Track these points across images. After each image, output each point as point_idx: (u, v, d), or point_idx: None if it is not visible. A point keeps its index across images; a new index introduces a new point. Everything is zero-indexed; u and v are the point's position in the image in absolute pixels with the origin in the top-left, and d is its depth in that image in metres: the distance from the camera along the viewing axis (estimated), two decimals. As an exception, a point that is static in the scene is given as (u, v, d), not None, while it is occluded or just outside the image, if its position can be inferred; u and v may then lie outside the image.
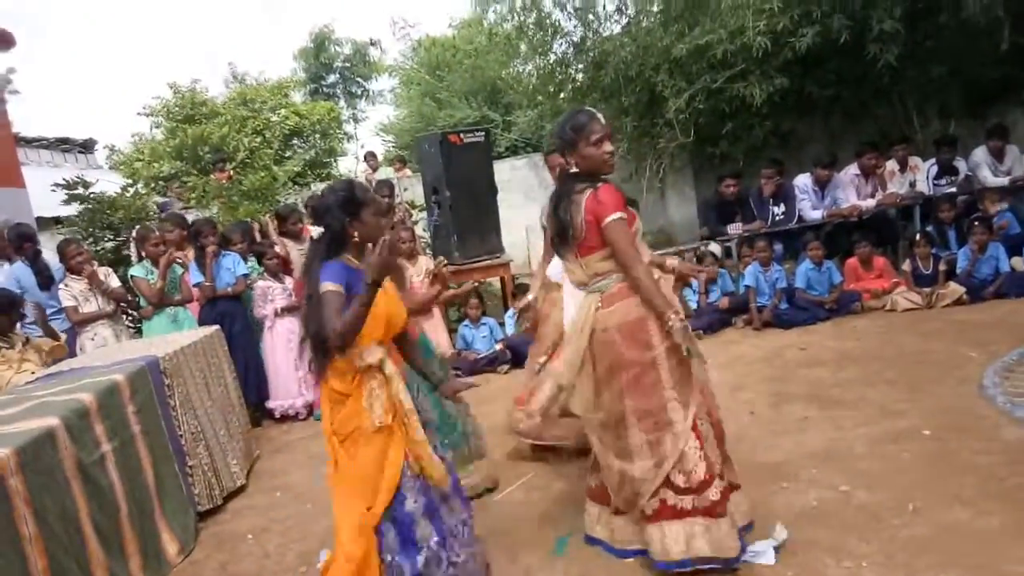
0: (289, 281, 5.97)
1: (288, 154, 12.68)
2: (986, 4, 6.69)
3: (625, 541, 2.99)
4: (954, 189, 7.35)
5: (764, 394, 4.71)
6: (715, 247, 7.42)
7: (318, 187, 10.77)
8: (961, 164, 7.49)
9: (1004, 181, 7.24)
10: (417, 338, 3.14)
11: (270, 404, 5.79)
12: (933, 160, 7.55)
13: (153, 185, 10.98)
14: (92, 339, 5.47)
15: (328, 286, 2.49)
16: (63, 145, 16.94)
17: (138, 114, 13.50)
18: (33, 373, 4.46)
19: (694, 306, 6.76)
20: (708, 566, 2.73)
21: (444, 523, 2.66)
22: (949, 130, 8.41)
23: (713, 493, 2.75)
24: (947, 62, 7.78)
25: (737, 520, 2.86)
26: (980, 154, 7.40)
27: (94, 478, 3.11)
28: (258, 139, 11.95)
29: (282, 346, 5.82)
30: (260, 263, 6.04)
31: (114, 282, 5.71)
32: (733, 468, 3.03)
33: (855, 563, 2.70)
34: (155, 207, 8.52)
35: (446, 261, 4.15)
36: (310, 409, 5.79)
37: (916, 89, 8.32)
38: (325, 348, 2.49)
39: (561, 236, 2.90)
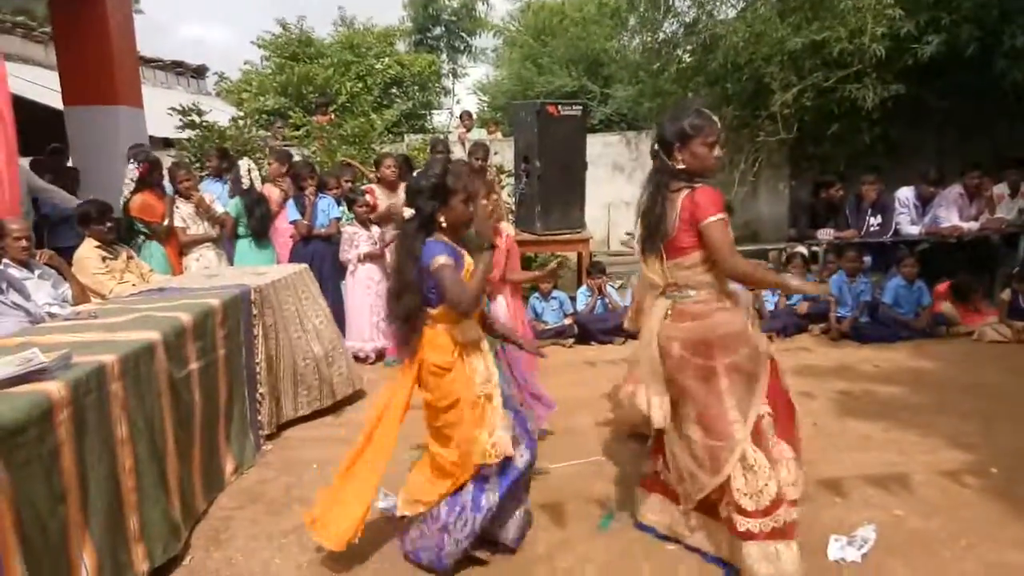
0: (376, 229, 6.17)
1: (387, 102, 12.91)
2: None
3: (679, 533, 3.04)
4: None
5: (830, 407, 4.65)
6: (802, 249, 7.25)
7: (412, 139, 10.98)
8: None
9: (1126, 221, 6.81)
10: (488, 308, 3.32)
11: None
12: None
13: (257, 118, 11.40)
14: (197, 260, 5.81)
15: (440, 259, 2.69)
16: (177, 69, 17.68)
17: (252, 43, 14.00)
18: (134, 285, 4.79)
19: (771, 308, 6.66)
20: None
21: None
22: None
23: (778, 519, 2.68)
24: (1082, 86, 7.30)
25: None
26: (1103, 189, 6.96)
27: (180, 393, 3.35)
28: (360, 84, 12.21)
29: (361, 290, 6.06)
30: (350, 209, 6.26)
31: (219, 208, 6.02)
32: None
33: (897, 588, 2.70)
34: (259, 140, 8.88)
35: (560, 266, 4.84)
36: (380, 354, 6.02)
37: (1043, 111, 7.85)
38: (415, 320, 2.77)
39: (650, 234, 2.90)
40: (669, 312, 2.88)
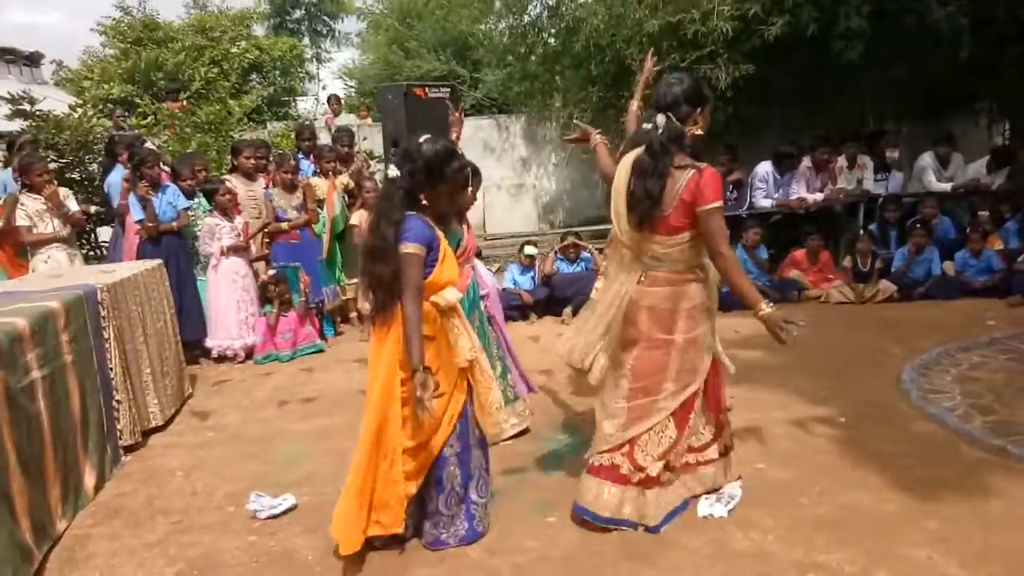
0: (238, 220, 5.87)
1: (246, 89, 12.32)
2: (950, 12, 6.87)
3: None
4: (886, 183, 7.67)
5: (697, 372, 4.87)
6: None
7: (274, 126, 10.53)
8: (893, 158, 7.89)
9: (947, 187, 7.53)
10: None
11: (208, 343, 5.73)
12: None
13: (101, 107, 10.57)
14: (46, 261, 5.31)
15: (409, 248, 2.59)
16: (7, 56, 16.15)
17: (92, 30, 12.96)
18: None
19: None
20: (625, 527, 2.92)
21: (487, 454, 2.98)
22: (902, 132, 8.67)
23: (653, 469, 2.90)
24: (908, 65, 7.96)
25: (709, 483, 3.11)
26: (927, 159, 7.67)
27: (21, 405, 3.05)
28: (215, 70, 11.61)
29: (226, 286, 5.75)
30: (209, 200, 5.91)
31: (73, 205, 5.55)
32: (728, 432, 3.21)
33: (761, 536, 2.86)
34: (103, 131, 8.21)
35: None
36: (249, 352, 5.75)
37: (875, 88, 8.52)
38: (391, 288, 2.63)
39: (637, 202, 2.81)
40: (642, 278, 2.89)
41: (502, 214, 10.95)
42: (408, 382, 2.66)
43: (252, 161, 6.14)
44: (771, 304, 2.86)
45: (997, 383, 4.32)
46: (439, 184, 2.71)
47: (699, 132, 2.83)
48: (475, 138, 10.87)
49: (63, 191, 5.57)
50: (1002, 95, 8.91)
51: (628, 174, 2.86)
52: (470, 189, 3.64)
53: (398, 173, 2.69)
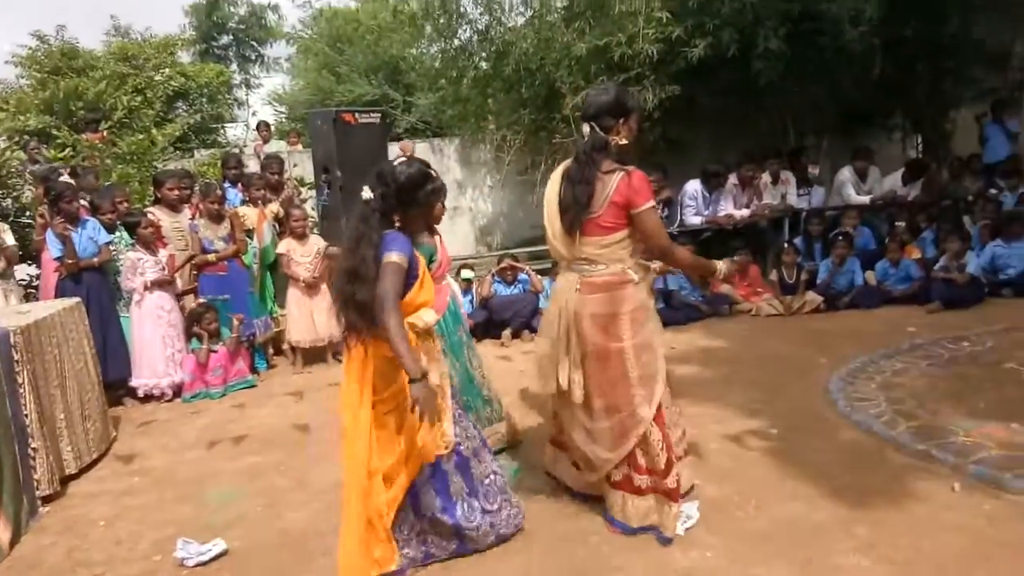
0: (163, 253, 5.68)
1: (171, 117, 11.99)
2: (862, 33, 7.20)
3: (582, 487, 3.26)
4: (809, 198, 7.97)
5: (635, 390, 4.91)
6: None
7: (201, 154, 10.27)
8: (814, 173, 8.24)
9: (866, 200, 7.85)
10: None
11: (133, 382, 5.50)
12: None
13: (17, 139, 10.12)
14: None
15: (393, 257, 2.58)
16: (-87, 86, 15.31)
17: (6, 63, 12.43)
18: None
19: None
20: (649, 532, 3.00)
21: (474, 476, 2.91)
22: (822, 147, 9.00)
23: (671, 481, 2.97)
24: (825, 84, 8.29)
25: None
26: (846, 173, 7.99)
27: (-76, 459, 2.88)
28: (139, 99, 11.26)
29: (150, 322, 5.53)
30: (132, 234, 5.70)
31: (9, 239, 5.31)
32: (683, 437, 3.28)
33: (700, 553, 2.88)
34: (18, 164, 7.85)
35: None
36: (177, 390, 5.54)
37: (795, 106, 8.83)
38: (367, 312, 2.58)
39: (567, 208, 2.91)
40: (578, 287, 2.93)
41: (439, 237, 10.90)
42: (379, 405, 2.67)
43: (176, 192, 5.97)
44: (723, 262, 3.19)
45: (919, 388, 4.47)
46: (412, 207, 2.75)
47: (623, 142, 2.92)
48: (409, 162, 10.80)
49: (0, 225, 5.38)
50: (913, 111, 9.37)
51: (559, 183, 2.99)
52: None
53: (371, 196, 2.71)
